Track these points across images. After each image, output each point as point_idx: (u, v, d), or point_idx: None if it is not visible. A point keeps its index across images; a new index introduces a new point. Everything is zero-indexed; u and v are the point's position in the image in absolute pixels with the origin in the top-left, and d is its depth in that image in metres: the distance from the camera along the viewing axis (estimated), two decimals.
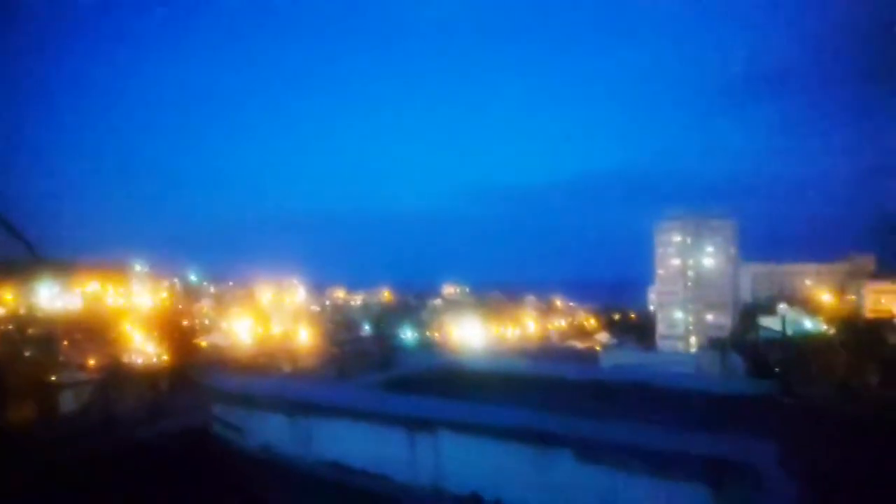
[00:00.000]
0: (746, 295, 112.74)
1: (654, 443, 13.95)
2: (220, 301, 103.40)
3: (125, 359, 58.98)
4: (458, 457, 15.68)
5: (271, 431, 19.76)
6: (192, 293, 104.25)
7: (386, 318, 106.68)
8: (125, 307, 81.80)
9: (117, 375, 42.32)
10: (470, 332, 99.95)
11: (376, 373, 28.41)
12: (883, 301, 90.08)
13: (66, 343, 62.68)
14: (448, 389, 21.92)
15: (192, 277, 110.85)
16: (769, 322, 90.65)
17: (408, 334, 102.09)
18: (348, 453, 17.54)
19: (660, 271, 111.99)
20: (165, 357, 60.01)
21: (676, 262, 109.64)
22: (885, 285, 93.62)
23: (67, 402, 37.73)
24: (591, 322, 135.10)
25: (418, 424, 16.22)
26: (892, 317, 76.81)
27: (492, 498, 15.07)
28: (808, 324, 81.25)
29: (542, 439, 14.11)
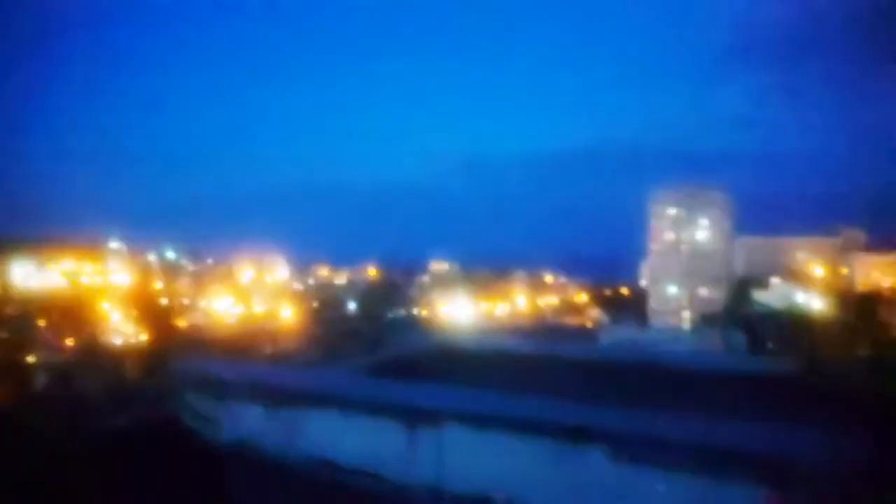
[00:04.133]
0: (739, 269, 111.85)
1: (696, 438, 12.06)
2: (198, 279, 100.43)
3: (102, 339, 56.80)
4: (463, 452, 13.72)
5: (249, 423, 17.75)
6: (169, 271, 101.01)
7: (372, 296, 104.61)
8: (101, 286, 79.05)
9: (88, 358, 40.14)
10: (459, 309, 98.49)
11: (366, 355, 26.53)
12: (874, 274, 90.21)
13: (42, 323, 60.32)
14: (447, 374, 20.08)
15: (170, 254, 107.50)
16: (762, 296, 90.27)
17: (395, 312, 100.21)
18: (337, 448, 15.57)
19: (653, 245, 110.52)
20: (143, 337, 57.83)
21: (670, 236, 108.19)
22: (876, 258, 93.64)
23: (42, 383, 36.04)
24: (582, 298, 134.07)
25: (420, 416, 14.21)
26: (885, 290, 76.71)
27: (503, 498, 13.16)
28: (801, 297, 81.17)
29: (573, 435, 12.15)
